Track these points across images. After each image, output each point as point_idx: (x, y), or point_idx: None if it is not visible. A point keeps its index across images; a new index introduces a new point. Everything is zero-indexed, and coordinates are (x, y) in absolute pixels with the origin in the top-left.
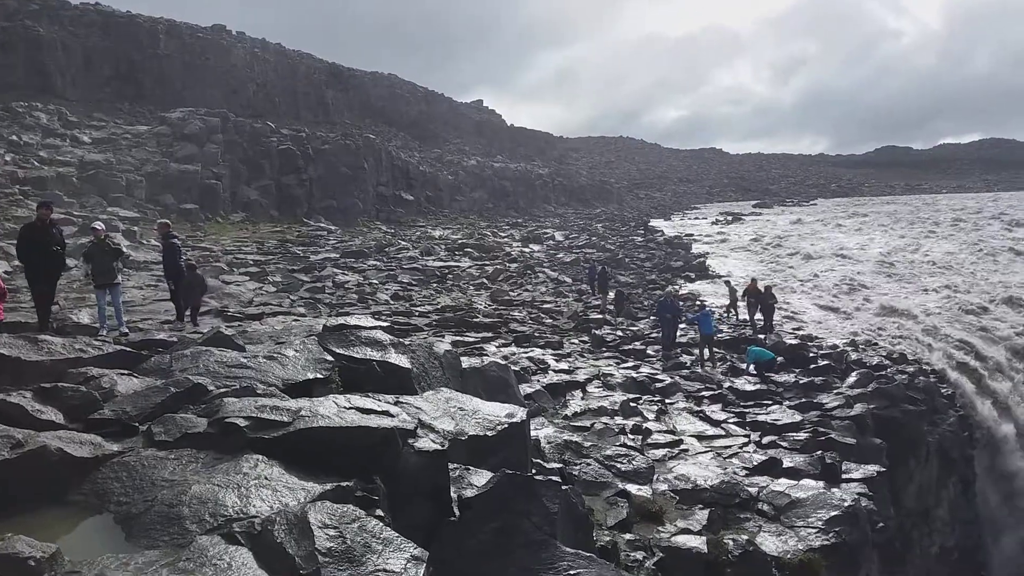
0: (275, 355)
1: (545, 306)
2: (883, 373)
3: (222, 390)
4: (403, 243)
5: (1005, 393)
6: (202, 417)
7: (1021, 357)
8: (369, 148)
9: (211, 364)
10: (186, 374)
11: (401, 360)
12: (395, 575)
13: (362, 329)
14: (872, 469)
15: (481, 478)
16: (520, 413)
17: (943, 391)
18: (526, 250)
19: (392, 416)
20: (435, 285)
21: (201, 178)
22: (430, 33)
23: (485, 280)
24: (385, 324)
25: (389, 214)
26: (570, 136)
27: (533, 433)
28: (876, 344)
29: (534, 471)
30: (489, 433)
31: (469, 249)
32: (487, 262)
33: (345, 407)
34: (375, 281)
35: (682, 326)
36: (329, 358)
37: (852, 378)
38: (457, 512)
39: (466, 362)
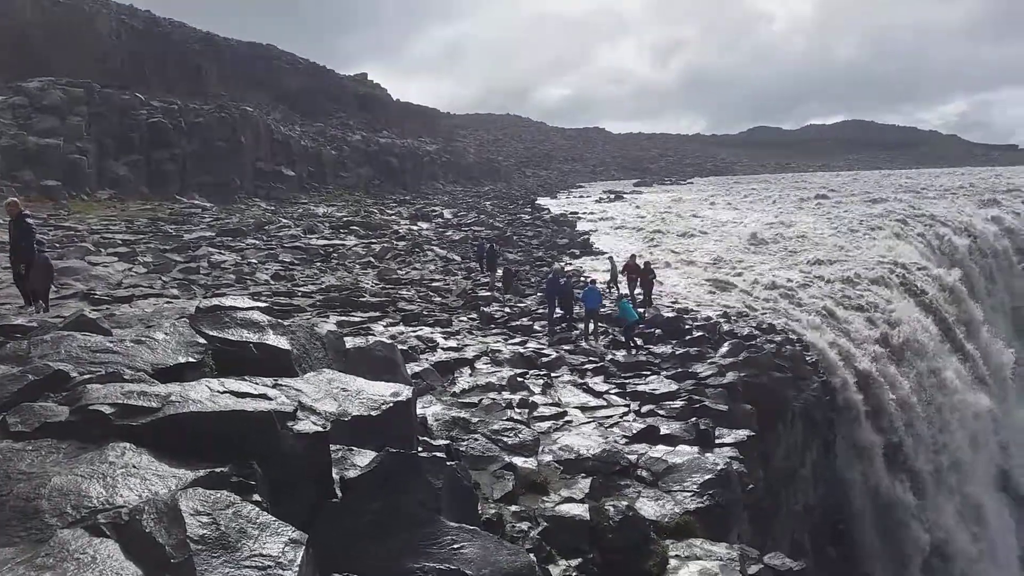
0: (143, 339)
1: (434, 284)
2: (753, 343)
3: (86, 376)
4: (284, 221)
5: (864, 363)
6: (63, 405)
7: (874, 325)
8: (247, 121)
9: (74, 349)
10: (46, 360)
11: (280, 342)
12: (272, 559)
13: (238, 310)
14: (743, 434)
15: (364, 458)
16: (406, 391)
17: (807, 359)
18: (414, 228)
19: (270, 399)
20: (319, 264)
21: (64, 153)
22: (312, 2)
23: (372, 259)
24: (263, 305)
25: (269, 191)
26: (458, 113)
27: (421, 411)
28: (747, 315)
29: (420, 449)
30: (373, 413)
31: (355, 227)
32: (374, 240)
33: (219, 391)
34: (254, 261)
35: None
36: (202, 341)
37: (724, 348)
38: (340, 493)
39: (351, 342)
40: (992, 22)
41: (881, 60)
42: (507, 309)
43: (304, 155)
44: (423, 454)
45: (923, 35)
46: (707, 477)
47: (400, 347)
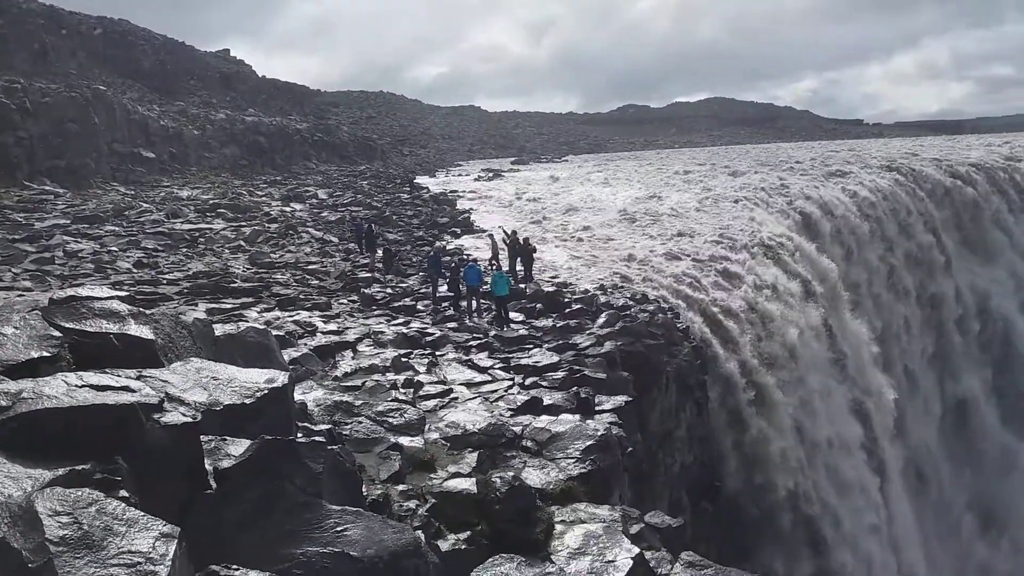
0: None
1: (310, 267)
2: (628, 312)
3: None
4: (146, 205)
5: (730, 326)
6: None
7: (738, 291)
8: (100, 101)
9: None
10: None
11: (143, 331)
12: (142, 555)
13: (96, 300)
14: (621, 400)
15: (239, 447)
16: (281, 377)
17: (678, 325)
18: (287, 209)
19: (133, 391)
20: (185, 250)
21: None
22: None
23: (242, 242)
24: (124, 294)
25: (128, 174)
26: (329, 90)
27: (302, 397)
28: (622, 287)
29: (300, 435)
30: (248, 401)
31: (222, 210)
32: (244, 223)
33: (77, 385)
34: (114, 249)
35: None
36: (57, 334)
37: (602, 319)
38: (214, 484)
39: (221, 329)
40: (838, 3)
41: (739, 39)
42: (389, 290)
43: (165, 136)
44: (302, 440)
45: (777, 15)
46: (589, 443)
47: (276, 333)
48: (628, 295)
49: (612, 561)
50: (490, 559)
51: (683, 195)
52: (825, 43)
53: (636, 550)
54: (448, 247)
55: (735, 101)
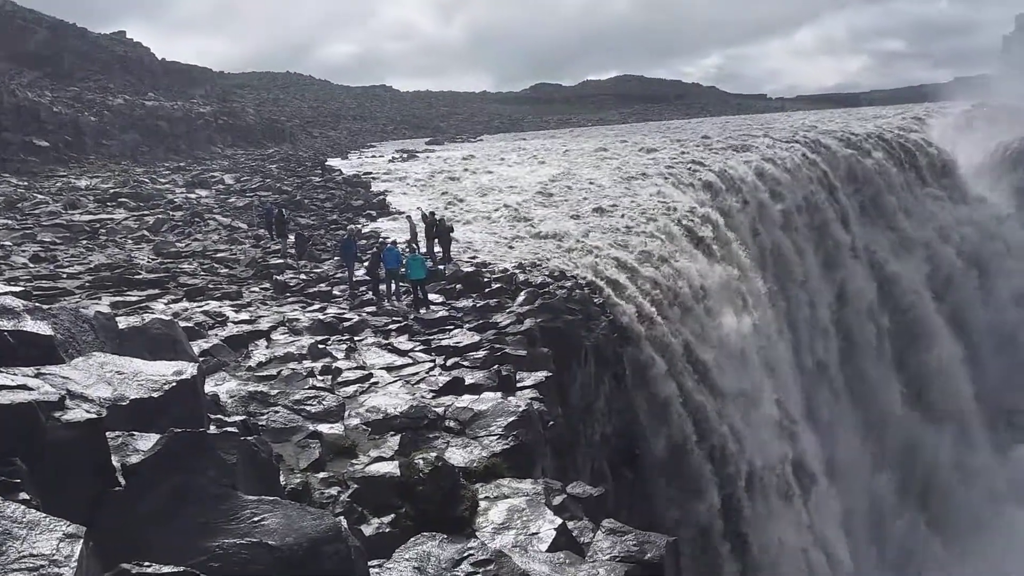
0: None
1: (219, 255)
2: (546, 290)
3: None
4: (41, 197)
5: (645, 301)
6: None
7: (653, 265)
8: None
9: None
10: None
11: (40, 327)
12: (45, 558)
13: None
14: (541, 375)
15: (147, 442)
16: (190, 369)
17: (595, 300)
18: (192, 196)
19: (31, 389)
20: (85, 242)
21: None
22: None
23: (146, 232)
24: (19, 290)
25: (19, 164)
26: (233, 72)
27: (214, 388)
28: (539, 265)
29: (212, 427)
30: (155, 394)
31: (124, 199)
32: (147, 212)
33: None
34: (8, 243)
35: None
36: None
37: (521, 297)
38: (123, 481)
39: (125, 322)
40: None
41: (647, 15)
42: (302, 276)
43: (58, 123)
44: (214, 431)
45: None
46: (511, 419)
47: (184, 324)
48: (546, 272)
49: (536, 533)
50: (412, 538)
51: (598, 172)
52: (730, 19)
53: (559, 521)
54: (364, 230)
55: (644, 78)
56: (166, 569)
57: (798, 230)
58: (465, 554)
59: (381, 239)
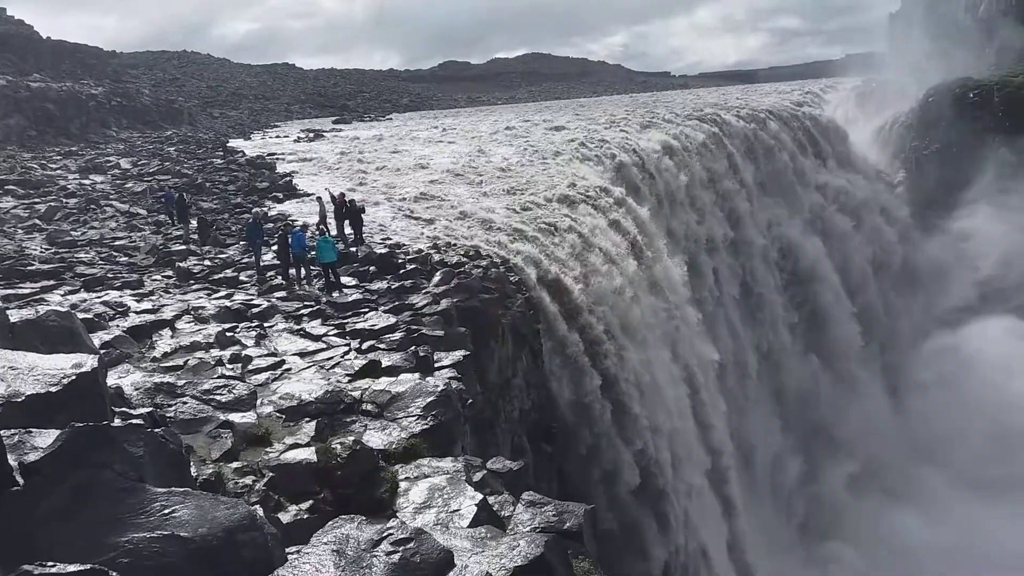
0: None
1: (118, 243)
2: (462, 269)
3: None
4: None
5: (559, 276)
6: None
7: (565, 241)
8: None
9: None
10: None
11: None
12: None
13: None
14: (459, 354)
15: (47, 438)
16: (90, 361)
17: (511, 279)
18: (86, 182)
19: None
20: None
21: None
22: None
23: (37, 220)
24: None
25: None
26: (127, 51)
27: (117, 381)
28: (455, 244)
29: (117, 420)
30: (53, 389)
31: (11, 186)
32: (37, 199)
33: None
34: None
35: (273, 247)
36: None
37: (437, 278)
38: (21, 480)
39: (18, 315)
40: None
41: None
42: (207, 262)
43: None
44: (118, 424)
45: None
46: (429, 400)
47: (83, 315)
48: (462, 252)
49: (457, 510)
50: (330, 522)
51: (508, 150)
52: None
53: (479, 496)
54: (271, 213)
55: (552, 56)
56: (71, 568)
57: (702, 202)
58: (384, 534)
59: (289, 222)
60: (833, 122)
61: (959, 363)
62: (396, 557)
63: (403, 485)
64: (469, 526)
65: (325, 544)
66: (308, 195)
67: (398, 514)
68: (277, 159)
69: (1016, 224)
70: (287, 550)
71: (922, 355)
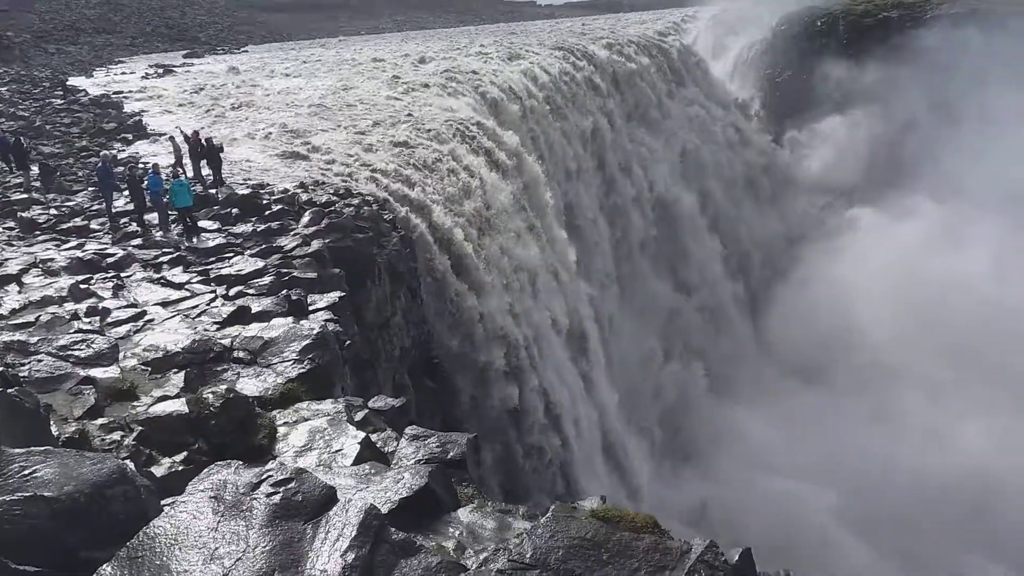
0: None
1: None
2: (333, 208)
3: None
4: None
5: (435, 212)
6: None
7: (439, 177)
8: None
9: None
10: None
11: None
12: None
13: None
14: (334, 296)
15: None
16: None
17: (385, 216)
18: None
19: None
20: None
21: None
22: None
23: None
24: None
25: None
26: None
27: None
28: (323, 183)
29: None
30: None
31: None
32: None
33: None
34: None
35: (125, 192)
36: None
37: (306, 218)
38: None
39: None
40: None
41: None
42: (53, 211)
43: None
44: None
45: None
46: (305, 343)
47: None
48: (331, 191)
49: (340, 450)
50: (206, 469)
51: (375, 84)
52: None
53: (362, 435)
54: (121, 156)
55: None
56: None
57: (569, 130)
58: (264, 476)
59: (141, 164)
60: (694, 52)
61: (811, 268)
62: (277, 498)
63: (282, 430)
64: (353, 464)
65: (202, 491)
66: (161, 135)
67: (279, 458)
68: (124, 98)
69: (854, 135)
70: (164, 502)
71: (780, 266)
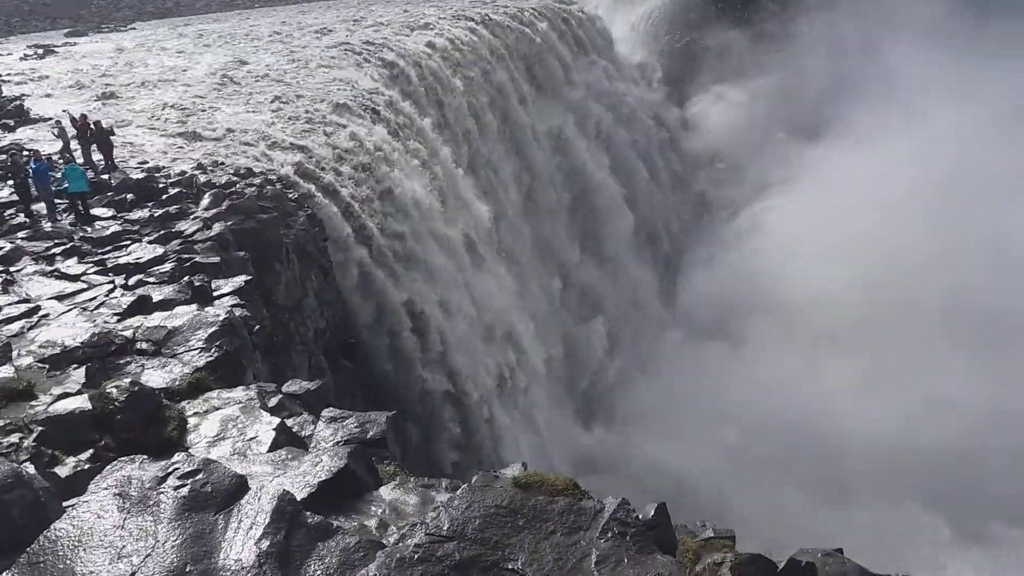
0: None
1: None
2: (234, 189)
3: None
4: None
5: (342, 189)
6: None
7: (345, 152)
8: None
9: None
10: None
11: None
12: None
13: None
14: (240, 280)
15: None
16: None
17: (290, 195)
18: None
19: None
20: None
21: None
22: None
23: None
24: None
25: None
26: None
27: None
28: (222, 164)
29: None
30: None
31: None
32: None
33: None
34: None
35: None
36: None
37: (206, 200)
38: None
39: None
40: None
41: None
42: None
43: None
44: None
45: None
46: (211, 331)
47: None
48: (231, 171)
49: (254, 437)
50: (109, 466)
51: (273, 58)
52: None
53: (276, 420)
54: (2, 143)
55: None
56: None
57: (476, 104)
58: (170, 469)
59: (25, 152)
60: (598, 19)
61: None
62: (185, 490)
63: (193, 421)
64: (269, 451)
65: (106, 489)
66: (46, 120)
67: (191, 450)
68: (2, 81)
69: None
70: (67, 503)
71: (686, 236)
